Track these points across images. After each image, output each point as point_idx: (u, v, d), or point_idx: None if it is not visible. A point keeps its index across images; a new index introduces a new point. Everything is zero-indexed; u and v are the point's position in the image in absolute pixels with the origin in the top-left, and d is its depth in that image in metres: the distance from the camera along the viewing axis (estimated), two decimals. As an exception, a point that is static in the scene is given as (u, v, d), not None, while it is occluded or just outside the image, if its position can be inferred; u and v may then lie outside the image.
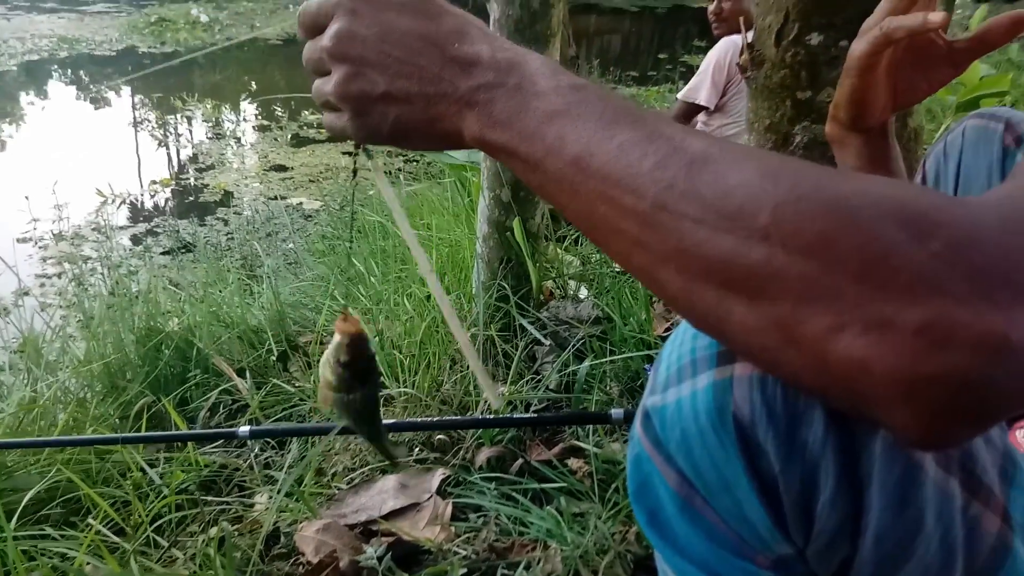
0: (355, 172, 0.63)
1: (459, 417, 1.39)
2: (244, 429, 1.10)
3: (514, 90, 0.46)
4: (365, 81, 0.51)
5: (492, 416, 1.31)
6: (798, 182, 0.36)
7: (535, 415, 1.35)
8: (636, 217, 0.40)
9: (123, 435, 1.28)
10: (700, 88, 2.88)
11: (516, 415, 1.34)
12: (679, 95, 3.01)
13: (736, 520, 0.47)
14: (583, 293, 1.83)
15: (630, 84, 7.37)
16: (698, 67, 2.97)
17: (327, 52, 0.52)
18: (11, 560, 1.00)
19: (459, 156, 2.50)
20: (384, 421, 1.26)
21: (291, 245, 3.50)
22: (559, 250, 1.95)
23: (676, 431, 0.47)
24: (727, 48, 2.81)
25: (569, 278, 1.89)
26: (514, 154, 0.46)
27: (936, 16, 0.61)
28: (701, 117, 2.96)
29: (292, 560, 1.13)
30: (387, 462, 1.34)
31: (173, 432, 1.44)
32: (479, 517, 1.22)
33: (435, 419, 1.29)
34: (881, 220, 0.34)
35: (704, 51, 3.24)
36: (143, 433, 1.42)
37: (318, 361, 1.77)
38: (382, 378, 1.57)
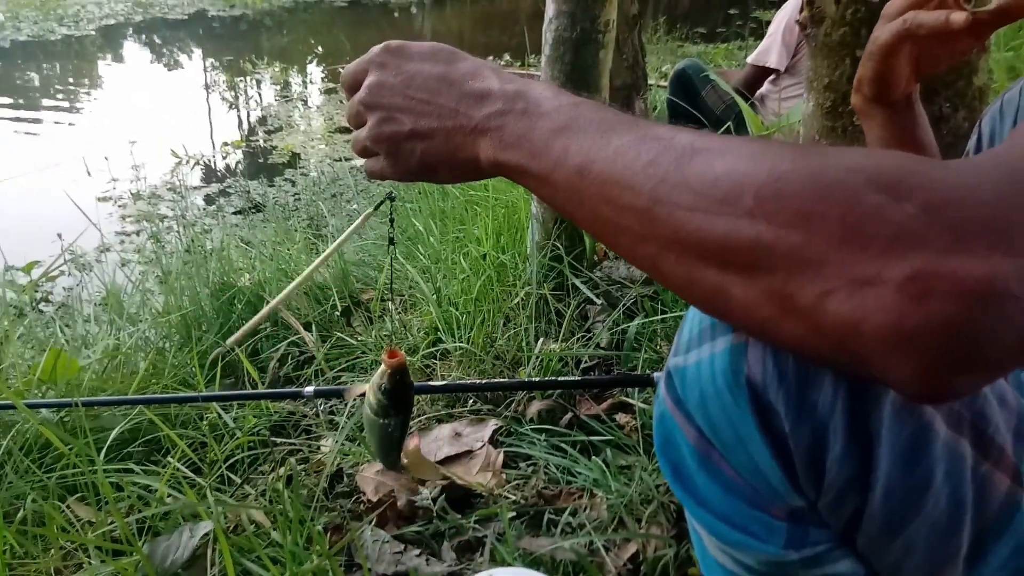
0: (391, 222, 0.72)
1: (507, 379, 1.44)
2: (309, 389, 1.18)
3: (521, 114, 0.51)
4: (395, 123, 0.58)
5: (538, 379, 1.36)
6: (776, 163, 0.39)
7: (579, 378, 1.39)
8: (635, 212, 0.43)
9: (201, 394, 1.37)
10: (770, 51, 2.82)
11: (562, 378, 1.38)
12: (749, 59, 2.95)
13: (751, 474, 0.50)
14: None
15: (697, 41, 7.19)
16: (769, 24, 2.90)
17: (362, 103, 0.59)
18: (101, 490, 1.10)
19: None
20: (437, 383, 1.34)
21: (355, 206, 3.58)
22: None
23: (695, 391, 0.50)
24: (797, 6, 2.74)
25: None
26: (527, 172, 0.50)
27: (958, 16, 0.62)
28: (767, 82, 2.90)
29: (354, 498, 1.21)
30: (441, 413, 1.40)
31: (245, 391, 1.54)
32: (529, 466, 1.28)
33: (485, 381, 1.35)
34: (857, 187, 0.36)
35: (777, 6, 3.15)
36: (217, 391, 1.51)
37: (380, 316, 1.85)
38: (440, 339, 1.63)
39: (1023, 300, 0.34)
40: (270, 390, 1.41)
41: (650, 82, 3.68)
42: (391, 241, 0.75)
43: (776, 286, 0.38)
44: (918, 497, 0.47)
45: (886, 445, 0.46)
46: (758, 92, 2.93)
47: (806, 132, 1.38)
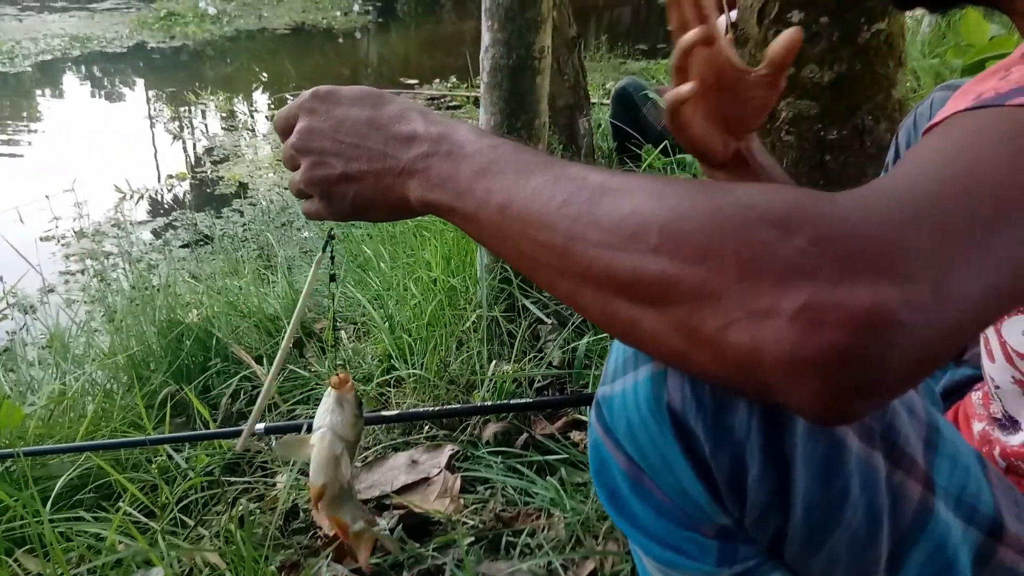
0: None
1: (460, 405, 1.45)
2: (260, 427, 1.18)
3: (446, 156, 0.53)
4: (326, 167, 0.60)
5: (491, 403, 1.38)
6: (679, 202, 0.41)
7: (531, 400, 1.41)
8: (552, 250, 0.45)
9: (149, 437, 1.34)
10: None
11: (514, 400, 1.39)
12: None
13: (679, 496, 0.53)
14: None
15: (639, 58, 7.33)
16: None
17: (294, 147, 0.61)
18: (48, 541, 1.07)
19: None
20: (390, 412, 1.34)
21: (306, 234, 3.56)
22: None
23: (622, 419, 0.52)
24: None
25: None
26: (453, 211, 0.52)
27: (684, 88, 0.66)
28: None
29: (310, 534, 1.20)
30: (397, 441, 1.40)
31: (192, 433, 1.51)
32: (487, 489, 1.28)
33: (438, 408, 1.36)
34: (750, 224, 0.38)
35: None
36: (166, 435, 1.47)
37: (332, 346, 1.84)
38: (394, 366, 1.64)
39: (909, 326, 0.36)
40: (218, 430, 1.39)
41: (593, 100, 3.74)
42: (332, 278, 0.76)
43: (682, 319, 0.40)
44: (837, 510, 0.50)
45: (801, 463, 0.49)
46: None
47: (739, 148, 1.42)
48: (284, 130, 0.64)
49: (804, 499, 0.49)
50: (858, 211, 0.38)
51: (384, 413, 1.28)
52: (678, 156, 2.64)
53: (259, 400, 0.80)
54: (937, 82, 3.60)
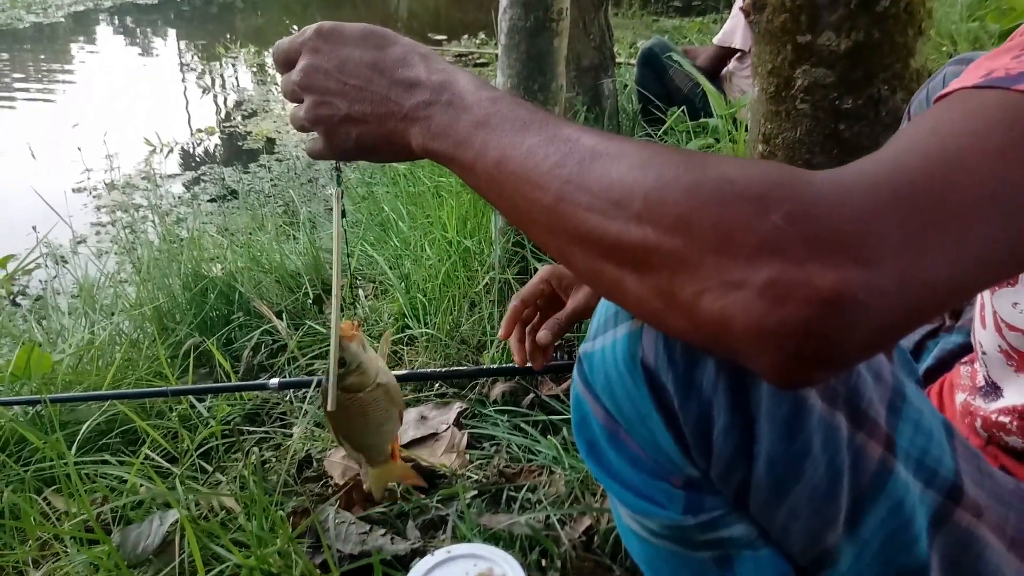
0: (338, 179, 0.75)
1: (469, 367, 1.48)
2: (273, 381, 1.22)
3: (446, 106, 0.55)
4: (330, 107, 0.61)
5: (497, 367, 1.41)
6: (663, 172, 0.43)
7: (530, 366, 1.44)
8: (544, 209, 0.48)
9: (170, 388, 1.40)
10: (735, 31, 2.85)
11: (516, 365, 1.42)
12: (715, 40, 2.98)
13: (651, 448, 0.56)
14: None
15: (672, 15, 7.18)
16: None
17: (297, 85, 0.63)
18: (73, 482, 1.14)
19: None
20: (401, 372, 1.37)
21: (330, 191, 3.59)
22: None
23: (601, 374, 0.55)
24: None
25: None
26: (453, 160, 0.55)
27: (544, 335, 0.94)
28: (733, 60, 2.93)
29: (322, 482, 1.25)
30: (408, 398, 1.44)
31: (211, 385, 1.56)
32: (492, 446, 1.32)
33: (448, 369, 1.40)
34: (731, 199, 0.40)
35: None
36: (188, 386, 1.53)
37: (351, 303, 1.88)
38: (408, 325, 1.68)
39: (870, 306, 0.38)
40: (236, 383, 1.45)
41: (621, 60, 3.70)
42: (343, 214, 0.78)
43: (661, 283, 0.42)
44: (798, 466, 0.52)
45: (765, 419, 0.51)
46: (725, 69, 2.97)
47: (753, 116, 1.42)
48: (285, 64, 0.65)
49: (767, 454, 0.52)
50: (834, 193, 0.40)
51: (395, 373, 1.31)
52: (702, 120, 2.62)
53: (331, 353, 0.80)
54: (975, 47, 3.49)
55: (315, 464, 1.31)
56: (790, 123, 1.33)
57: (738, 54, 2.89)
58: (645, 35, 5.40)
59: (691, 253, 0.41)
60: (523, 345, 0.97)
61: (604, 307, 0.57)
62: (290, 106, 0.67)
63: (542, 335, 0.92)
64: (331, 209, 0.78)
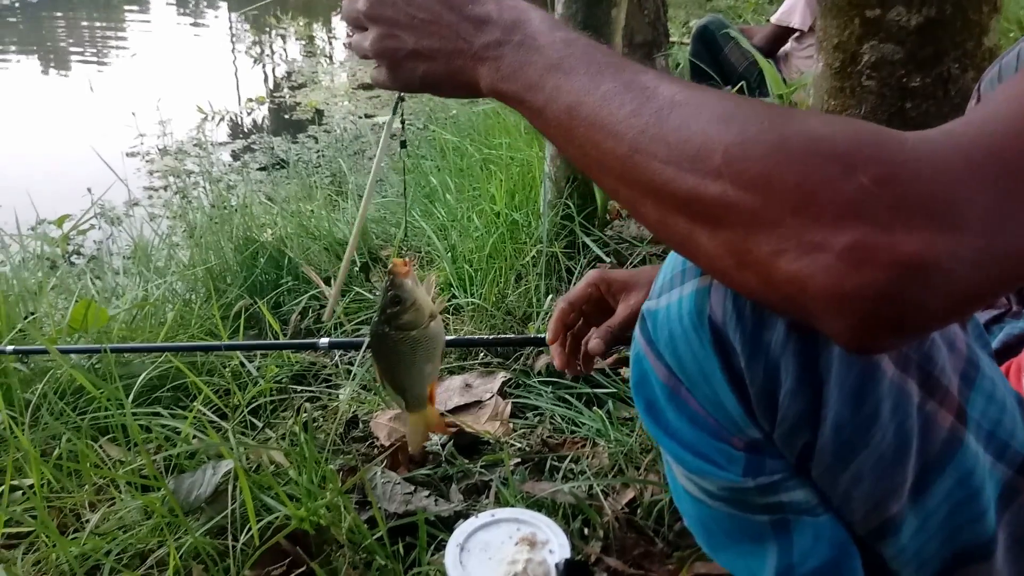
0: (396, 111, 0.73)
1: (516, 335, 1.48)
2: (324, 340, 1.24)
3: (518, 46, 0.54)
4: (396, 40, 0.60)
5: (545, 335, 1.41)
6: (747, 126, 0.42)
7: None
8: (617, 158, 0.46)
9: (224, 343, 1.43)
10: (794, 11, 2.79)
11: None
12: (772, 19, 2.92)
13: (713, 407, 0.55)
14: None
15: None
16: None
17: (363, 14, 0.61)
18: (131, 430, 1.17)
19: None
20: (449, 337, 1.38)
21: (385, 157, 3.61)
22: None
23: (665, 331, 0.55)
24: None
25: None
26: (521, 102, 0.54)
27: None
28: (791, 40, 2.87)
29: (368, 443, 1.27)
30: (453, 365, 1.45)
31: (265, 342, 1.59)
32: (535, 416, 1.33)
33: (495, 336, 1.40)
34: (816, 157, 0.39)
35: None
36: (241, 342, 1.58)
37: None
38: (454, 294, 1.68)
39: (952, 274, 0.37)
40: (288, 341, 1.47)
41: (674, 38, 3.64)
42: (403, 144, 0.77)
43: (735, 241, 0.42)
44: (865, 431, 0.51)
45: (835, 383, 0.50)
46: (782, 50, 2.91)
47: (817, 92, 1.39)
48: None
49: (834, 417, 0.51)
50: (922, 156, 0.39)
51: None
52: (756, 99, 2.57)
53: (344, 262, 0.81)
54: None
55: (361, 425, 1.33)
56: (855, 100, 1.29)
57: (796, 34, 2.82)
58: (698, 14, 5.31)
59: (770, 211, 0.40)
60: (564, 350, 0.91)
61: (670, 265, 0.57)
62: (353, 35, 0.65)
63: (594, 344, 0.85)
64: (392, 135, 0.77)
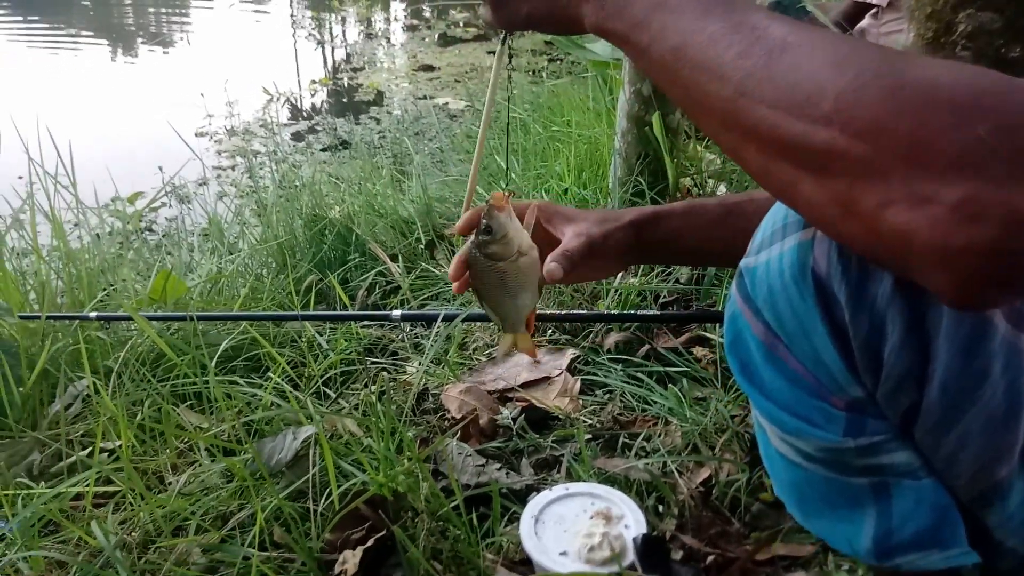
0: (508, 57, 0.74)
1: (586, 311, 1.47)
2: (396, 313, 1.25)
3: None
4: None
5: (617, 312, 1.39)
6: (861, 71, 0.40)
7: (657, 312, 1.41)
8: (722, 101, 0.45)
9: (301, 312, 1.47)
10: None
11: (640, 311, 1.40)
12: None
13: (814, 364, 0.53)
14: (721, 190, 1.83)
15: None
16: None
17: None
18: (214, 395, 1.20)
19: (602, 53, 2.49)
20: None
21: (437, 144, 3.64)
22: (699, 147, 1.95)
23: (764, 287, 0.53)
24: None
25: (708, 176, 1.89)
26: (626, 41, 0.53)
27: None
28: (868, 16, 2.77)
29: (439, 415, 1.28)
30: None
31: (340, 313, 1.62)
32: (605, 394, 1.32)
33: (565, 312, 1.39)
34: (931, 106, 0.37)
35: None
36: (313, 312, 1.61)
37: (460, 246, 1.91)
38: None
39: None
40: (360, 312, 1.49)
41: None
42: (508, 78, 0.79)
43: (842, 190, 0.40)
44: (974, 389, 0.49)
45: (944, 338, 0.48)
46: (858, 26, 2.81)
47: (904, 65, 1.33)
48: None
49: (942, 374, 0.49)
50: None
51: None
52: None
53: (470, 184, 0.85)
54: None
55: (431, 398, 1.34)
56: (947, 72, 1.24)
57: (874, 10, 2.73)
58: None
59: (880, 160, 0.38)
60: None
61: (770, 221, 0.55)
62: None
63: (552, 268, 0.80)
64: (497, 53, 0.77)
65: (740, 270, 0.56)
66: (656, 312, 1.40)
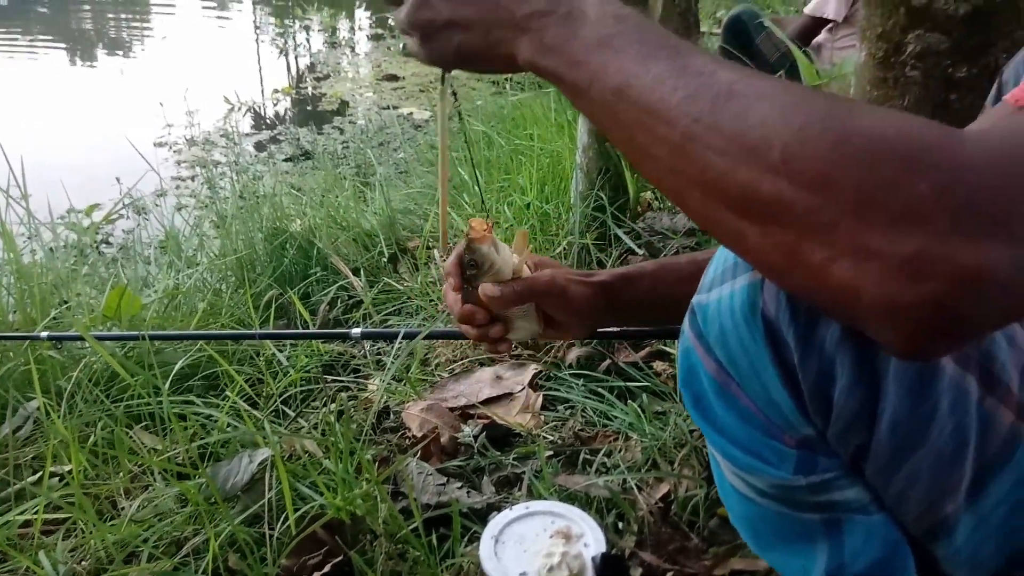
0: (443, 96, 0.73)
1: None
2: (356, 330, 1.24)
3: (564, 18, 0.51)
4: (431, 10, 0.57)
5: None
6: (808, 121, 0.40)
7: (617, 329, 1.42)
8: (668, 145, 0.44)
9: (258, 331, 1.44)
10: (827, 1, 2.75)
11: (600, 328, 1.39)
12: (806, 9, 2.88)
13: (765, 403, 0.54)
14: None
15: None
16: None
17: None
18: (168, 416, 1.18)
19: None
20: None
21: (401, 155, 3.62)
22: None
23: (715, 325, 0.54)
24: None
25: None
26: (562, 80, 0.51)
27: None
28: (824, 31, 2.83)
29: (399, 434, 1.27)
30: (483, 357, 1.45)
31: (298, 331, 1.60)
32: (567, 409, 1.32)
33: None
34: (877, 160, 0.38)
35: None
36: (272, 330, 1.58)
37: (425, 263, 1.90)
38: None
39: (1010, 285, 0.36)
40: (321, 330, 1.47)
41: (703, 29, 3.60)
42: (460, 115, 0.77)
43: (789, 241, 0.40)
44: (923, 429, 0.50)
45: (892, 381, 0.49)
46: (814, 41, 2.87)
47: (858, 82, 1.36)
48: None
49: (891, 415, 0.50)
50: (983, 159, 0.37)
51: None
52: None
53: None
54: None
55: (393, 416, 1.33)
56: (898, 91, 1.26)
57: (830, 25, 2.78)
58: (728, 4, 5.25)
59: (827, 214, 0.38)
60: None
61: (721, 258, 0.55)
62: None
63: (488, 288, 0.77)
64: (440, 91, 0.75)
65: (692, 306, 0.56)
66: (616, 329, 1.40)
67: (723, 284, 0.54)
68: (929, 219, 0.36)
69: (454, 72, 0.67)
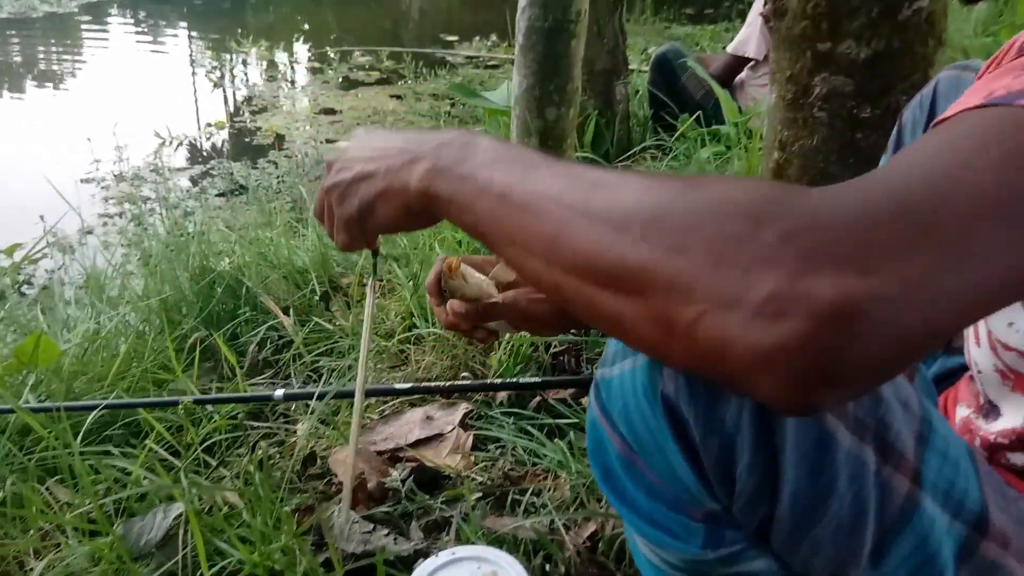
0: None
1: (471, 382, 1.47)
2: (279, 392, 1.23)
3: (461, 147, 0.55)
4: (344, 171, 0.62)
5: (499, 381, 1.41)
6: (665, 196, 0.43)
7: (539, 379, 1.44)
8: (544, 239, 0.47)
9: (177, 399, 1.36)
10: (749, 40, 2.85)
11: (522, 379, 1.39)
12: (728, 48, 2.98)
13: (670, 480, 0.54)
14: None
15: (685, 23, 7.18)
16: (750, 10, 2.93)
17: (325, 186, 0.65)
18: (78, 473, 1.13)
19: (497, 101, 2.54)
20: (402, 385, 1.38)
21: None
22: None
23: (619, 402, 0.54)
24: None
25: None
26: (451, 201, 0.54)
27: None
28: (746, 69, 2.93)
29: (326, 480, 1.24)
30: (414, 397, 1.44)
31: (217, 396, 1.50)
32: (497, 448, 1.32)
33: (449, 384, 1.41)
34: (726, 217, 0.40)
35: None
36: (193, 396, 1.48)
37: (358, 301, 1.88)
38: (415, 324, 1.67)
39: (875, 316, 0.36)
40: (239, 395, 1.44)
41: (633, 66, 3.70)
42: (374, 269, 0.82)
43: (659, 308, 0.41)
44: (823, 501, 0.51)
45: (791, 455, 0.50)
46: (738, 78, 2.97)
47: (770, 123, 1.41)
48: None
49: (792, 489, 0.51)
50: (828, 205, 0.39)
51: (397, 386, 1.35)
52: (714, 127, 2.61)
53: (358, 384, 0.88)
54: (989, 61, 3.48)
55: (319, 462, 1.30)
56: (807, 131, 1.32)
57: (751, 63, 2.88)
58: (657, 41, 5.40)
59: (687, 275, 0.40)
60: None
61: None
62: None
63: (454, 304, 0.82)
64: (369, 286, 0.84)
65: (596, 382, 0.57)
66: (538, 379, 1.42)
67: (624, 359, 0.54)
68: (779, 262, 0.37)
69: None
